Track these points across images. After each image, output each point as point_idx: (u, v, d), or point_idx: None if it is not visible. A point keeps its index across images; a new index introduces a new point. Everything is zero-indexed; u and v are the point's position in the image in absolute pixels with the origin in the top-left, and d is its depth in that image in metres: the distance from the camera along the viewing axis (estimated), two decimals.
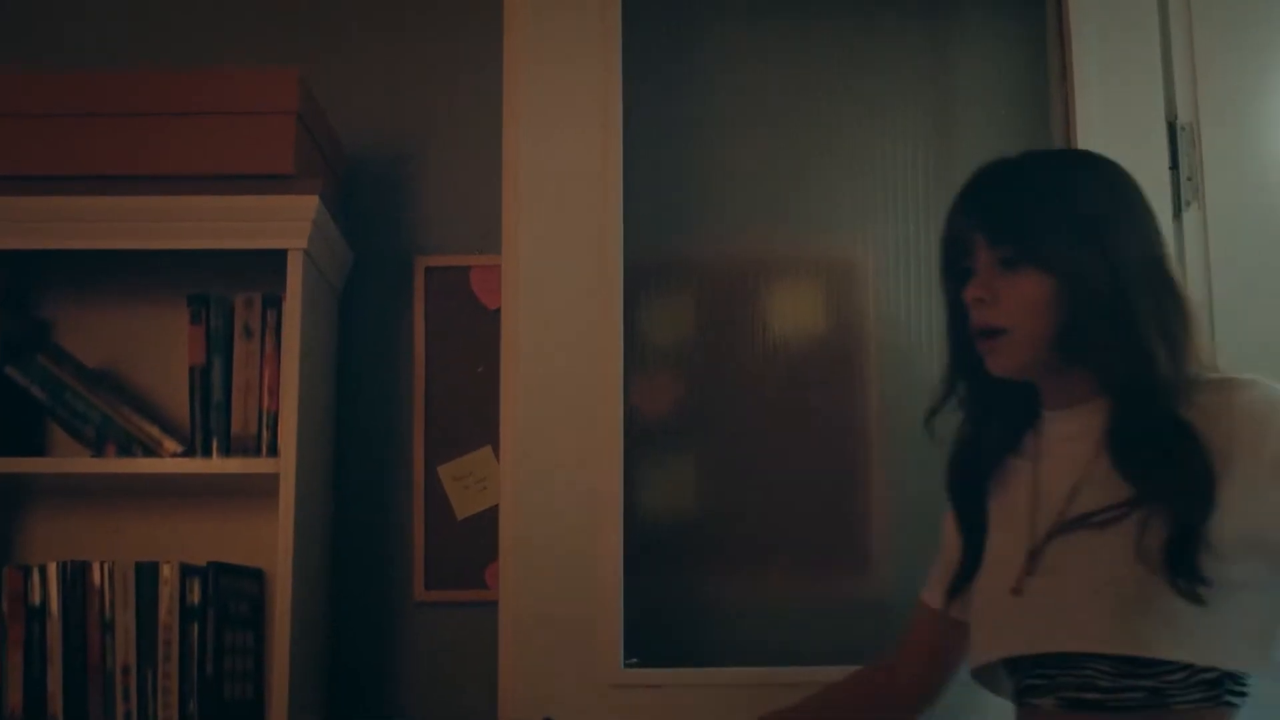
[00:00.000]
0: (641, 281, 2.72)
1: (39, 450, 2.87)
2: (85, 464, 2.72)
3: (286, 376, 2.65)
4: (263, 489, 2.69)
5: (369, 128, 3.07)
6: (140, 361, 2.91)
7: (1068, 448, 1.90)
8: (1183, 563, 1.70)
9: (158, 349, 2.90)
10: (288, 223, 2.66)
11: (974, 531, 1.98)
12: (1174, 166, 2.61)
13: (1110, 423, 1.84)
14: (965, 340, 1.93)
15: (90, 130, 2.66)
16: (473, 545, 2.92)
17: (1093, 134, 2.60)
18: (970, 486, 2.00)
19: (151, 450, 2.72)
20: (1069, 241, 1.84)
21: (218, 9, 3.11)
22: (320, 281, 2.81)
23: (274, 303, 2.72)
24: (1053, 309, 1.84)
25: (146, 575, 2.66)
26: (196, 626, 2.64)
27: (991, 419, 1.98)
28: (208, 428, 2.70)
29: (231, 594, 2.71)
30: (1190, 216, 2.59)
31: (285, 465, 2.62)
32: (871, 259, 2.95)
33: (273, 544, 2.65)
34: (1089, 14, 2.67)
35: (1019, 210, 1.87)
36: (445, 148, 3.07)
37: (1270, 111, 2.65)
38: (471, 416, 2.96)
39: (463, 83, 3.09)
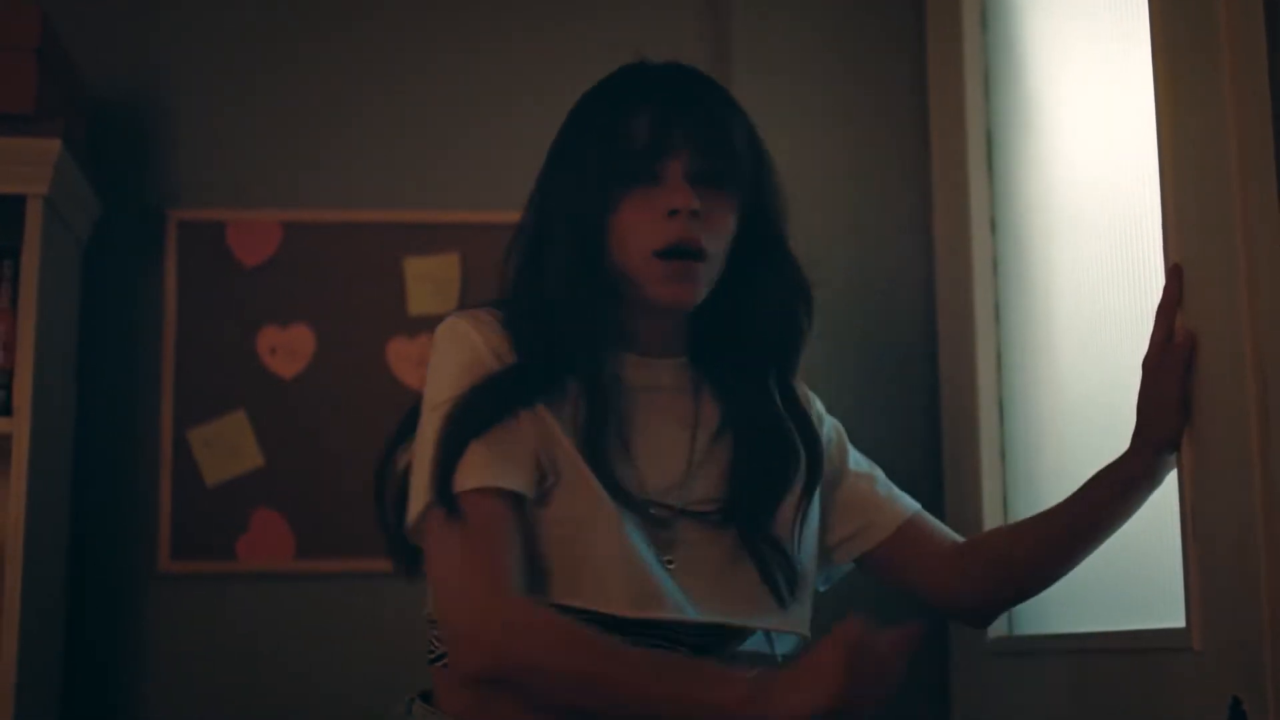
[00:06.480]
0: None
1: None
2: None
3: (23, 331, 2.55)
4: None
5: (120, 73, 2.94)
6: None
7: (666, 400, 1.73)
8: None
9: None
10: (27, 166, 2.55)
11: None
12: None
13: (735, 394, 1.73)
14: (596, 256, 1.64)
15: None
16: (223, 514, 2.82)
17: None
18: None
19: None
20: (755, 171, 1.69)
21: None
22: (63, 232, 2.70)
23: (11, 253, 2.60)
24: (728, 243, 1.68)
25: None
26: None
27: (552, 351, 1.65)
28: None
29: None
30: None
31: (19, 425, 2.53)
32: None
33: (4, 510, 2.55)
34: None
35: (730, 123, 1.68)
36: (200, 96, 2.96)
37: None
38: (224, 379, 2.86)
39: (220, 29, 2.98)
